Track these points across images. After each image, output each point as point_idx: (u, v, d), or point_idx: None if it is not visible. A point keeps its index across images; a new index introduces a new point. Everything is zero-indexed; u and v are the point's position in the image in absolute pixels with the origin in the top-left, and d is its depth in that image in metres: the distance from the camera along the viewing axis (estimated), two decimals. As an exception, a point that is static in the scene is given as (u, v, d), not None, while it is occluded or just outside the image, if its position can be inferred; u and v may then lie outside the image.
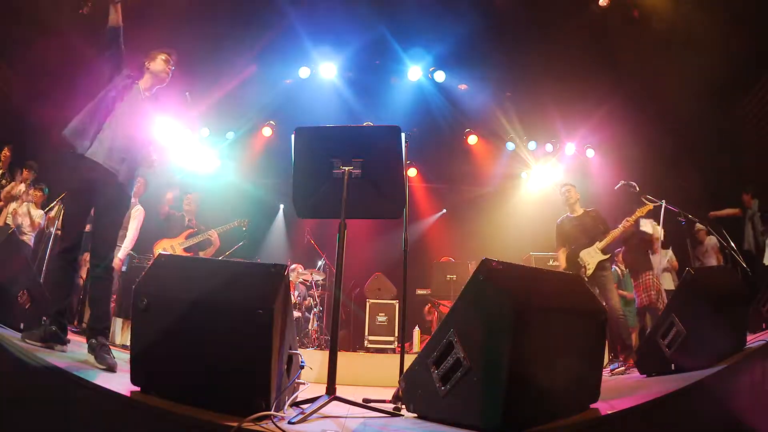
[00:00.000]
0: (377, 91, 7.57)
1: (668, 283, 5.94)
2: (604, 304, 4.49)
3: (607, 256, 4.52)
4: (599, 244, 4.53)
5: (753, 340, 3.04)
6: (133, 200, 5.34)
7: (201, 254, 5.31)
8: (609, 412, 1.93)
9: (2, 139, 5.74)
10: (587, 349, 2.13)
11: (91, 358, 2.55)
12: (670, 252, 5.97)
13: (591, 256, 4.55)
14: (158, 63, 3.23)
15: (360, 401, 2.34)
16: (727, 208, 6.28)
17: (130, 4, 5.63)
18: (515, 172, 8.79)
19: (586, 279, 4.50)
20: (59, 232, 5.13)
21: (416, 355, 2.17)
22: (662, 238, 4.99)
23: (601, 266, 4.50)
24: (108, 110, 3.00)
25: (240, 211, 6.05)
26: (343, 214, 2.35)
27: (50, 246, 5.14)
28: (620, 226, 4.52)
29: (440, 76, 7.27)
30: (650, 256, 5.35)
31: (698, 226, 5.84)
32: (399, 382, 2.31)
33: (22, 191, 5.54)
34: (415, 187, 8.87)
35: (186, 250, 5.29)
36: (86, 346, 2.66)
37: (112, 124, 2.98)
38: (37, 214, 5.47)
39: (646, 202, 4.51)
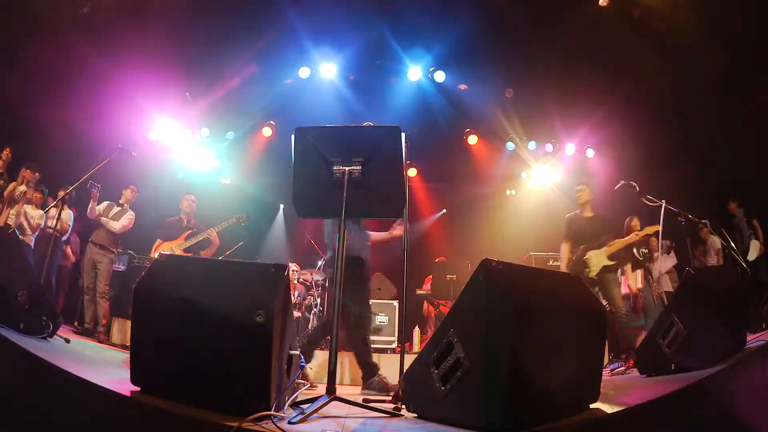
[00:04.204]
0: (377, 91, 7.57)
1: (666, 284, 5.98)
2: (606, 304, 4.57)
3: (613, 262, 4.60)
4: (607, 250, 4.60)
5: (753, 340, 3.04)
6: (125, 206, 5.79)
7: (201, 254, 5.31)
8: (609, 412, 1.93)
9: (2, 140, 5.75)
10: (587, 349, 2.13)
11: (91, 355, 2.56)
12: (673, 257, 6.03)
13: (597, 260, 4.61)
14: None
15: (360, 401, 2.34)
16: (725, 208, 6.32)
17: (132, 3, 5.65)
18: (515, 172, 8.79)
19: (589, 278, 4.56)
20: (57, 233, 5.18)
21: (416, 355, 2.17)
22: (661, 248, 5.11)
23: (605, 269, 4.57)
24: None
25: (240, 211, 6.06)
26: (342, 214, 2.35)
27: (51, 246, 5.14)
28: (629, 237, 4.66)
29: (440, 76, 7.27)
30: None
31: (701, 226, 5.87)
32: (399, 382, 2.31)
33: (23, 192, 5.54)
34: (415, 187, 8.86)
35: (186, 251, 5.29)
36: (87, 346, 2.66)
37: None
38: (37, 214, 5.47)
39: (646, 202, 4.52)
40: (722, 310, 2.77)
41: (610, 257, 4.58)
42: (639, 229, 4.93)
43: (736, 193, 6.35)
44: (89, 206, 5.44)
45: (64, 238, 5.96)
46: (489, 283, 1.86)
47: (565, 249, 4.89)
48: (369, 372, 3.54)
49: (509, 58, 6.90)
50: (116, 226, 5.58)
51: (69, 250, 6.63)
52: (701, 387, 2.02)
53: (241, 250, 6.55)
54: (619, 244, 4.60)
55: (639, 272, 5.66)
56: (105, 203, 5.69)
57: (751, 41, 5.62)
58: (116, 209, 5.72)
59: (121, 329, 5.76)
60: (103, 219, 5.55)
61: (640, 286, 5.67)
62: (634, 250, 5.67)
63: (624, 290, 5.72)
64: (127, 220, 5.66)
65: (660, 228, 4.50)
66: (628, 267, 5.69)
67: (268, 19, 6.39)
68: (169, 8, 5.94)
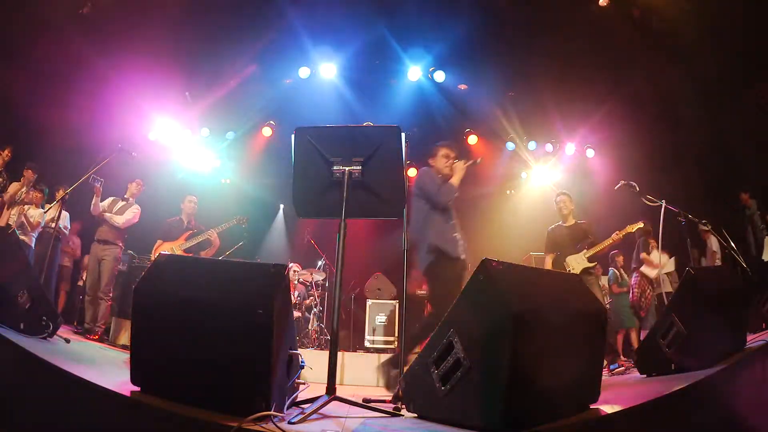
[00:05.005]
0: (377, 91, 7.57)
1: (666, 285, 5.99)
2: None
3: (593, 264, 4.68)
4: (587, 253, 4.68)
5: (753, 340, 3.04)
6: (130, 200, 5.67)
7: (201, 254, 5.30)
8: (609, 412, 1.93)
9: (2, 140, 5.74)
10: (587, 349, 2.13)
11: (91, 355, 2.55)
12: (672, 261, 6.06)
13: (577, 263, 4.68)
14: None
15: (360, 401, 2.34)
16: (727, 207, 6.33)
17: (132, 3, 5.64)
18: (515, 172, 8.79)
19: None
20: (56, 233, 5.15)
21: (416, 355, 2.17)
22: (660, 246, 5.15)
23: (585, 271, 4.63)
24: None
25: (240, 211, 6.06)
26: (343, 214, 2.35)
27: (51, 246, 5.13)
28: (609, 238, 4.69)
29: (440, 76, 7.27)
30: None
31: (701, 226, 5.86)
32: (399, 382, 2.31)
33: (24, 192, 5.53)
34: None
35: (186, 251, 5.28)
36: (87, 345, 2.66)
37: None
38: (37, 213, 5.47)
39: (646, 202, 4.52)
40: (722, 310, 2.77)
41: (590, 259, 4.66)
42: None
43: (748, 184, 6.37)
44: (92, 202, 5.28)
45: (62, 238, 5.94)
46: (489, 283, 1.86)
47: (548, 262, 4.97)
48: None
49: (509, 58, 6.90)
50: (119, 220, 5.44)
51: (66, 250, 6.63)
52: (701, 387, 2.02)
53: (241, 250, 6.55)
54: (599, 246, 4.67)
55: (656, 252, 5.80)
56: (110, 199, 5.57)
57: (751, 41, 5.62)
58: (121, 203, 5.60)
59: (128, 331, 5.68)
60: (107, 215, 5.44)
61: (660, 263, 5.81)
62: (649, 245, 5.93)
63: (644, 270, 6.05)
64: (131, 213, 5.51)
65: (661, 228, 4.50)
66: (644, 254, 6.00)
67: (268, 19, 6.39)
68: (169, 8, 5.94)
